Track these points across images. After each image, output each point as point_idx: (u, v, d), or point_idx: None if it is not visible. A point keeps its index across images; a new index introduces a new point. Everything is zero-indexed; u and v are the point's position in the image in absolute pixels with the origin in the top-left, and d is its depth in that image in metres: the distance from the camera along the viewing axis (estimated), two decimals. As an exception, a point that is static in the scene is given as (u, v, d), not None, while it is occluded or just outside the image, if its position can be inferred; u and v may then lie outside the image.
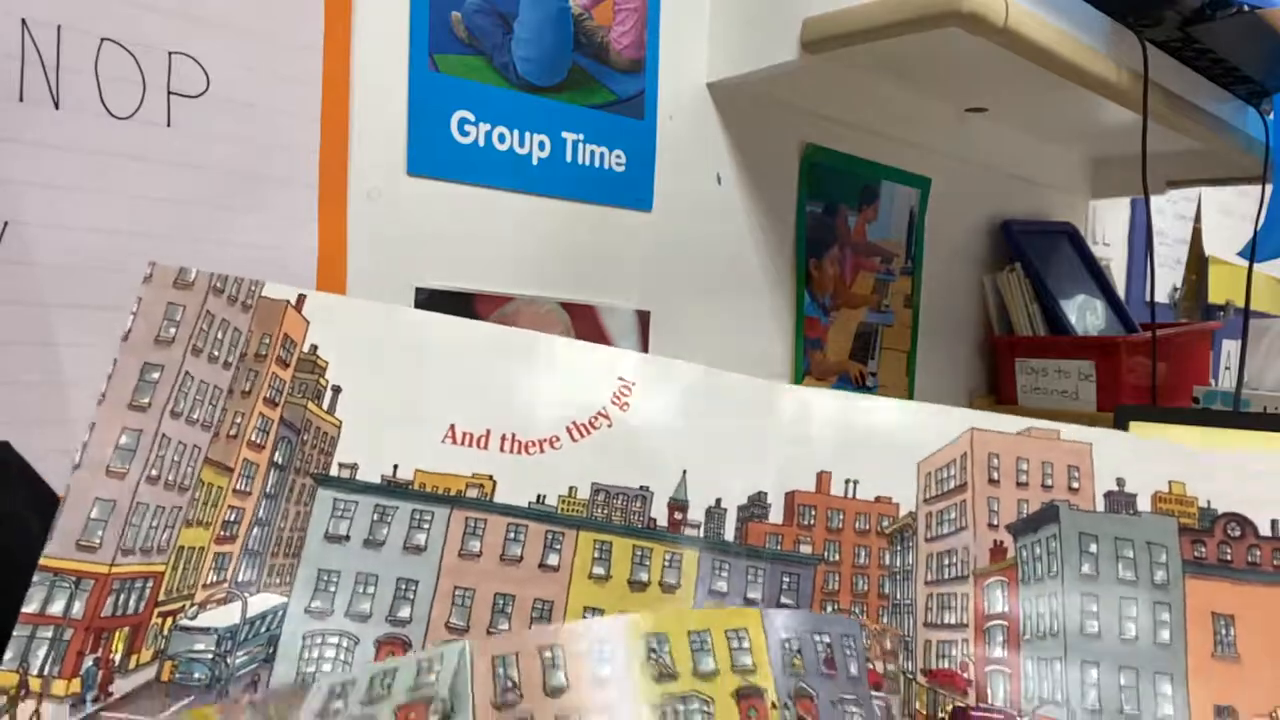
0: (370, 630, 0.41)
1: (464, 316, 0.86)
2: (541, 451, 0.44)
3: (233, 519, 0.41)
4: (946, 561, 0.44)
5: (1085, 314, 1.46)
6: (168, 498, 0.40)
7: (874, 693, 0.41)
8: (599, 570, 0.43)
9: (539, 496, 0.44)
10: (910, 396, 1.36)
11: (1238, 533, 0.43)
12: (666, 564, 0.44)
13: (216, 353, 0.43)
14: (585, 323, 0.96)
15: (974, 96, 1.25)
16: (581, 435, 0.45)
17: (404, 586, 0.42)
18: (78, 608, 0.37)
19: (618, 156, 0.98)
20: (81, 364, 0.67)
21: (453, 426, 0.44)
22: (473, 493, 0.43)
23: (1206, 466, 0.44)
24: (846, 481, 0.46)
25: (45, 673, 0.36)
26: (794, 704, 0.39)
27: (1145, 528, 0.43)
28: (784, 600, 0.43)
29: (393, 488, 0.43)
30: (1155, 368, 1.14)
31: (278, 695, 0.37)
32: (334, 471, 0.43)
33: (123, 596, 0.38)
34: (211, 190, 0.72)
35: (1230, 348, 2.00)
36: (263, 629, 0.40)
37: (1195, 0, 0.94)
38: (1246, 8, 0.94)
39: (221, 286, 0.45)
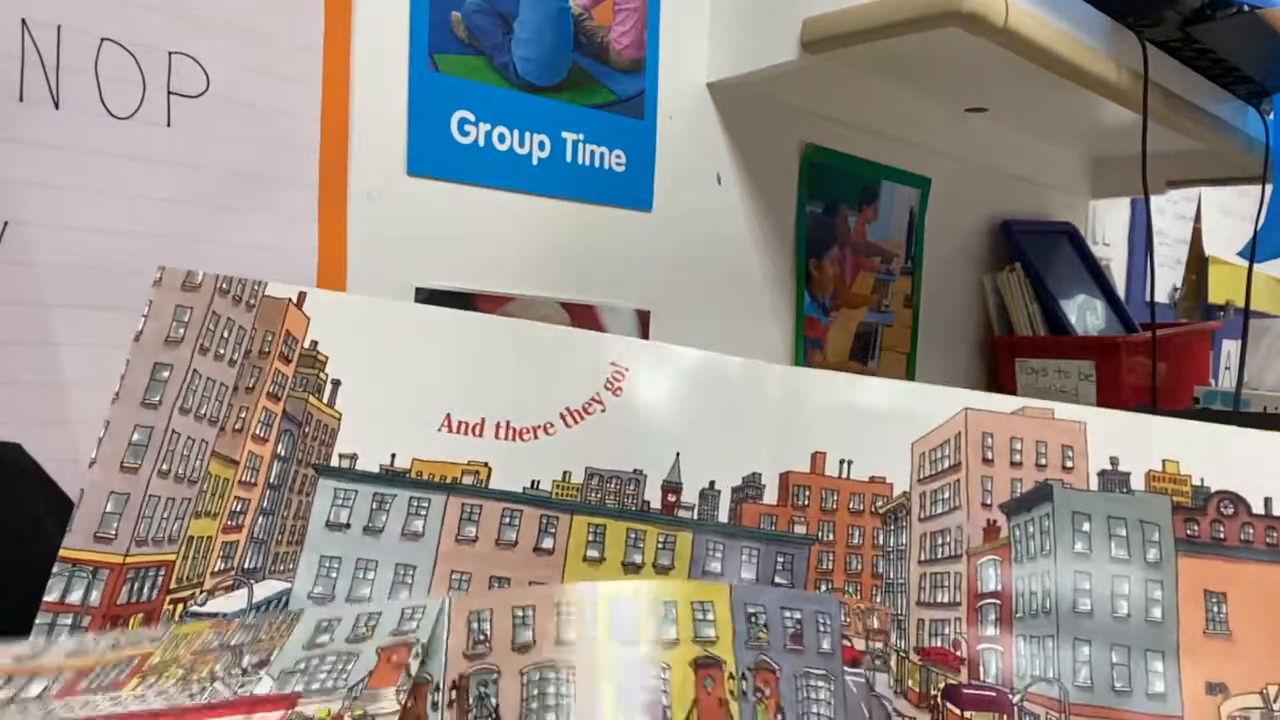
0: None
1: (464, 316, 0.86)
2: (536, 438, 0.45)
3: (239, 509, 0.43)
4: (940, 541, 0.45)
5: (1085, 314, 1.46)
6: (178, 490, 0.42)
7: (850, 668, 0.42)
8: (593, 553, 0.44)
9: (533, 482, 0.45)
10: (910, 396, 1.36)
11: (1231, 511, 0.43)
12: (661, 546, 0.44)
13: (222, 351, 0.45)
14: (585, 323, 0.96)
15: (974, 96, 1.24)
16: (575, 421, 0.46)
17: (402, 572, 0.43)
18: (95, 596, 0.39)
19: (618, 156, 0.98)
20: (81, 364, 0.67)
21: (448, 416, 0.45)
22: (469, 480, 0.44)
23: (1201, 443, 0.44)
24: (841, 462, 0.46)
25: (65, 658, 0.39)
26: (753, 675, 0.40)
27: (1138, 506, 0.43)
28: (778, 580, 0.44)
29: (391, 476, 0.44)
30: (1155, 368, 1.14)
31: (270, 620, 0.39)
32: (334, 462, 0.44)
33: (137, 585, 0.40)
34: (211, 190, 0.72)
35: (1230, 348, 2.00)
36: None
37: (1195, 0, 0.94)
38: (1246, 8, 0.94)
39: (226, 287, 0.46)
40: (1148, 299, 1.14)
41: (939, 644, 0.43)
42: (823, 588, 0.44)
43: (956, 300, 1.45)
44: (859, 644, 0.42)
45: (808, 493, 0.46)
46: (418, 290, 0.84)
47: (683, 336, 1.04)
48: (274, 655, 0.37)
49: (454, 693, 0.37)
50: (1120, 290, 1.74)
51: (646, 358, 0.47)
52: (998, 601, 0.43)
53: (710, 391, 0.47)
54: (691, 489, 0.45)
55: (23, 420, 0.62)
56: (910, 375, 1.36)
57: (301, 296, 0.46)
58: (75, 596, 0.39)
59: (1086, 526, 0.43)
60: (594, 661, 0.38)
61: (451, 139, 0.86)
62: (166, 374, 0.43)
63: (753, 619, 0.41)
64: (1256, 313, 1.27)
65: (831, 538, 0.45)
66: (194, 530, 0.42)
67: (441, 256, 0.86)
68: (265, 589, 0.42)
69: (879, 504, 0.46)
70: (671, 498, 0.45)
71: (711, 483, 0.45)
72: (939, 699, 0.42)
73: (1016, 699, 0.41)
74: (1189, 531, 0.43)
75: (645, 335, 1.01)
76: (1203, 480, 0.43)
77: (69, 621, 0.39)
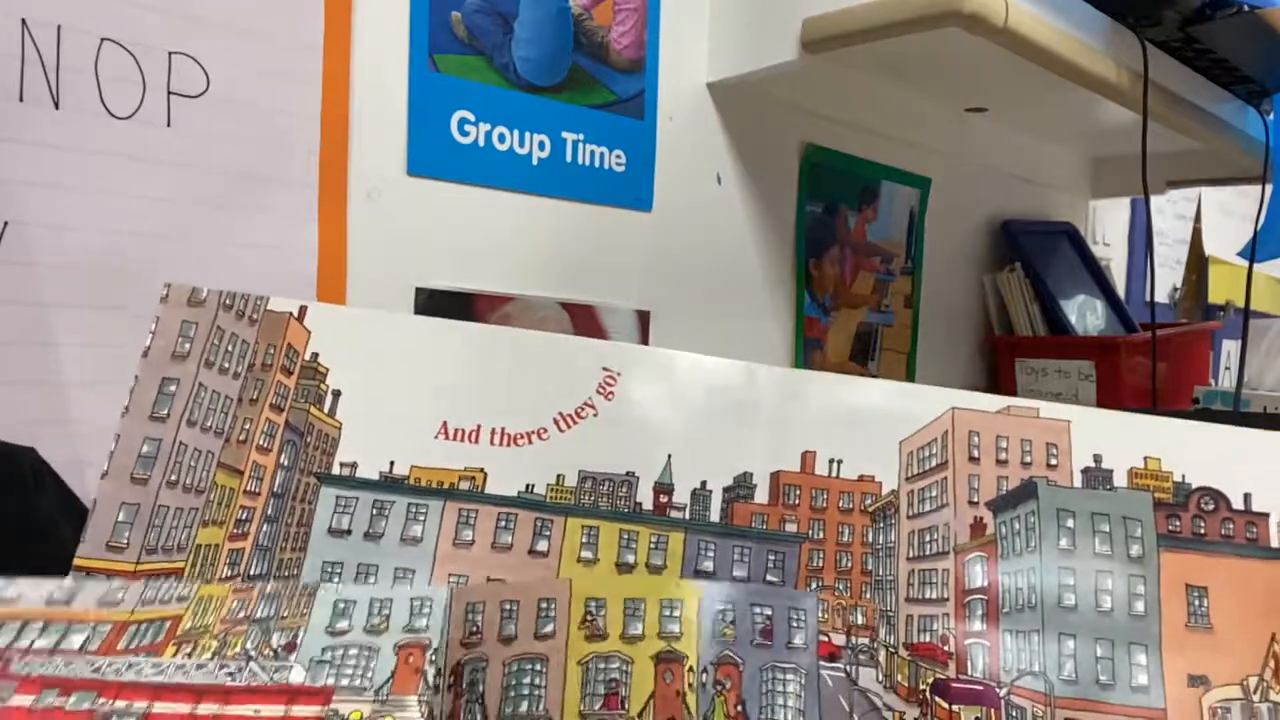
0: None
1: (464, 316, 0.86)
2: (530, 443, 0.46)
3: (244, 518, 0.44)
4: (928, 538, 0.46)
5: (1085, 314, 1.46)
6: (185, 500, 0.44)
7: (827, 663, 0.43)
8: (587, 554, 0.45)
9: (528, 486, 0.46)
10: (910, 396, 1.36)
11: (1211, 506, 0.44)
12: (653, 546, 0.45)
13: (227, 364, 0.46)
14: (585, 323, 0.96)
15: (974, 96, 1.25)
16: (568, 425, 0.47)
17: (402, 575, 0.44)
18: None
19: (618, 156, 0.98)
20: (81, 364, 0.67)
21: (445, 423, 0.46)
22: (465, 485, 0.45)
23: (1182, 441, 0.45)
24: (830, 461, 0.47)
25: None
26: (715, 669, 0.42)
27: (1121, 502, 0.44)
28: (769, 578, 0.45)
29: (390, 483, 0.45)
30: (1155, 368, 1.14)
31: (289, 591, 0.41)
32: (335, 470, 0.45)
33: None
34: (211, 190, 0.72)
35: (1230, 348, 2.00)
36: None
37: (1195, 0, 0.94)
38: (1246, 8, 0.95)
39: (230, 303, 0.47)
40: (1148, 299, 1.14)
41: (927, 639, 0.44)
42: (813, 585, 0.45)
43: (956, 300, 1.45)
44: (838, 639, 0.44)
45: (798, 492, 0.46)
46: (418, 290, 0.84)
47: (682, 336, 1.04)
48: (300, 638, 0.39)
49: (452, 678, 0.40)
50: (1120, 290, 1.74)
51: (638, 362, 0.48)
52: (984, 597, 0.44)
53: (700, 394, 0.48)
54: (683, 490, 0.46)
55: (23, 420, 0.63)
56: (910, 375, 1.36)
57: (302, 310, 0.47)
58: None
59: (1071, 523, 0.44)
60: (565, 654, 0.42)
61: (451, 139, 0.86)
62: (174, 388, 0.45)
63: (721, 615, 0.43)
64: (1256, 313, 1.27)
65: (822, 536, 0.46)
66: (202, 539, 0.43)
67: (441, 256, 0.86)
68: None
69: (868, 502, 0.46)
70: (663, 498, 0.46)
71: (703, 483, 0.46)
72: (928, 693, 0.42)
73: (1003, 693, 0.42)
74: (1170, 527, 0.44)
75: (645, 335, 1.01)
76: (1183, 477, 0.44)
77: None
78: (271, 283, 0.75)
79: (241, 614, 0.40)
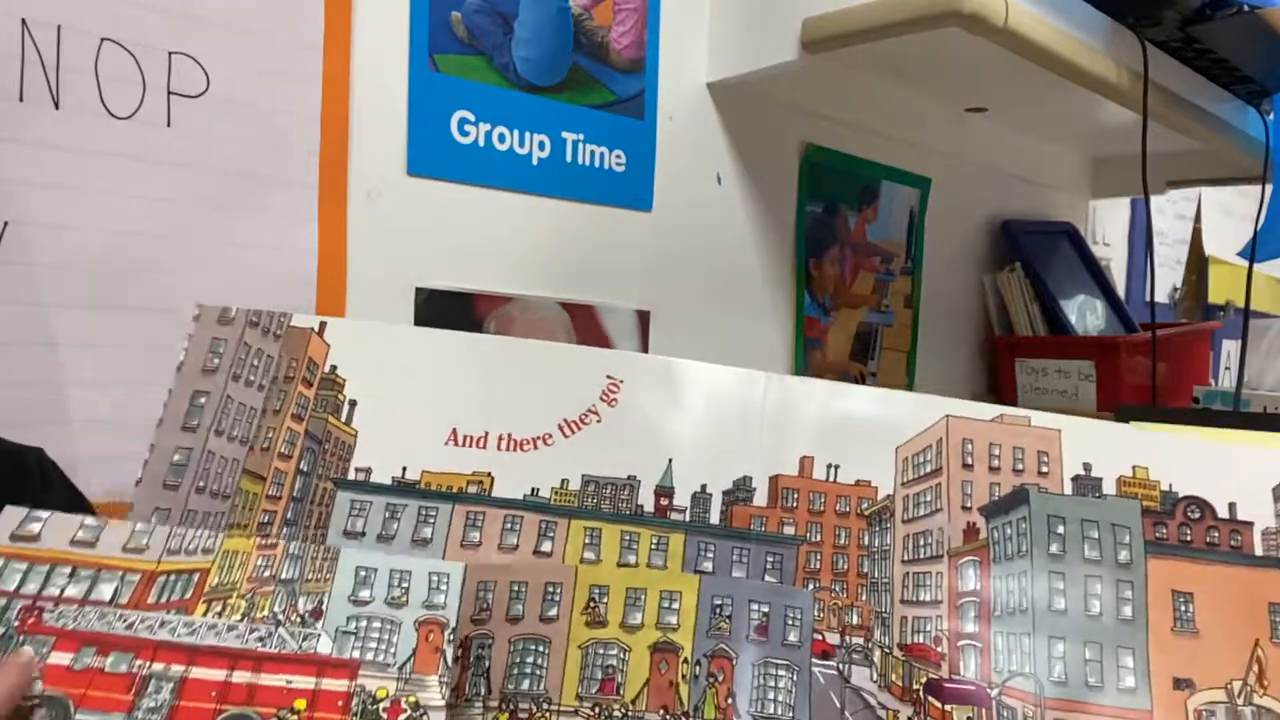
0: None
1: (464, 316, 0.86)
2: (535, 448, 0.48)
3: (266, 521, 0.47)
4: (922, 542, 0.47)
5: (1085, 314, 1.46)
6: (213, 505, 0.47)
7: (820, 661, 0.44)
8: (590, 555, 0.46)
9: (533, 489, 0.47)
10: (910, 396, 1.36)
11: (1197, 515, 0.45)
12: (654, 547, 0.47)
13: (252, 378, 0.49)
14: (585, 323, 0.96)
15: (974, 96, 1.25)
16: (573, 431, 0.49)
17: None
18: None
19: (618, 156, 0.98)
20: (81, 364, 0.67)
21: (454, 430, 0.48)
22: (473, 489, 0.47)
23: (1169, 452, 0.46)
24: (828, 466, 0.48)
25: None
26: (709, 661, 0.43)
27: (1110, 510, 0.45)
28: (768, 578, 0.46)
29: (402, 487, 0.47)
30: (1155, 368, 1.14)
31: (312, 554, 0.43)
32: (351, 475, 0.47)
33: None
34: (211, 190, 0.72)
35: (1230, 348, 2.00)
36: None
37: (1195, 0, 0.94)
38: (1246, 8, 0.94)
39: (256, 320, 0.50)
40: (1148, 299, 1.14)
41: (921, 640, 0.45)
42: (810, 586, 0.46)
43: (956, 300, 1.45)
44: (832, 638, 0.45)
45: (796, 495, 0.48)
46: (418, 290, 0.84)
47: (682, 336, 1.04)
48: (325, 604, 0.42)
49: (460, 650, 0.42)
50: (1120, 290, 1.74)
51: (640, 369, 0.50)
52: (977, 600, 0.45)
53: (701, 400, 0.49)
54: (683, 493, 0.48)
55: (23, 420, 0.62)
56: (910, 375, 1.36)
57: (322, 326, 0.50)
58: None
59: (1061, 529, 0.45)
60: (567, 638, 0.44)
61: (451, 139, 0.86)
62: (204, 400, 0.49)
63: (717, 610, 0.45)
64: (1256, 313, 1.27)
65: (819, 538, 0.47)
66: (229, 546, 0.45)
67: (441, 256, 0.86)
68: None
69: (864, 506, 0.48)
70: (664, 501, 0.47)
71: (703, 486, 0.48)
72: (921, 693, 0.44)
73: (994, 693, 0.43)
74: (1158, 534, 0.45)
75: (645, 335, 1.01)
76: (1170, 486, 0.46)
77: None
78: (271, 282, 0.75)
79: (267, 572, 0.42)
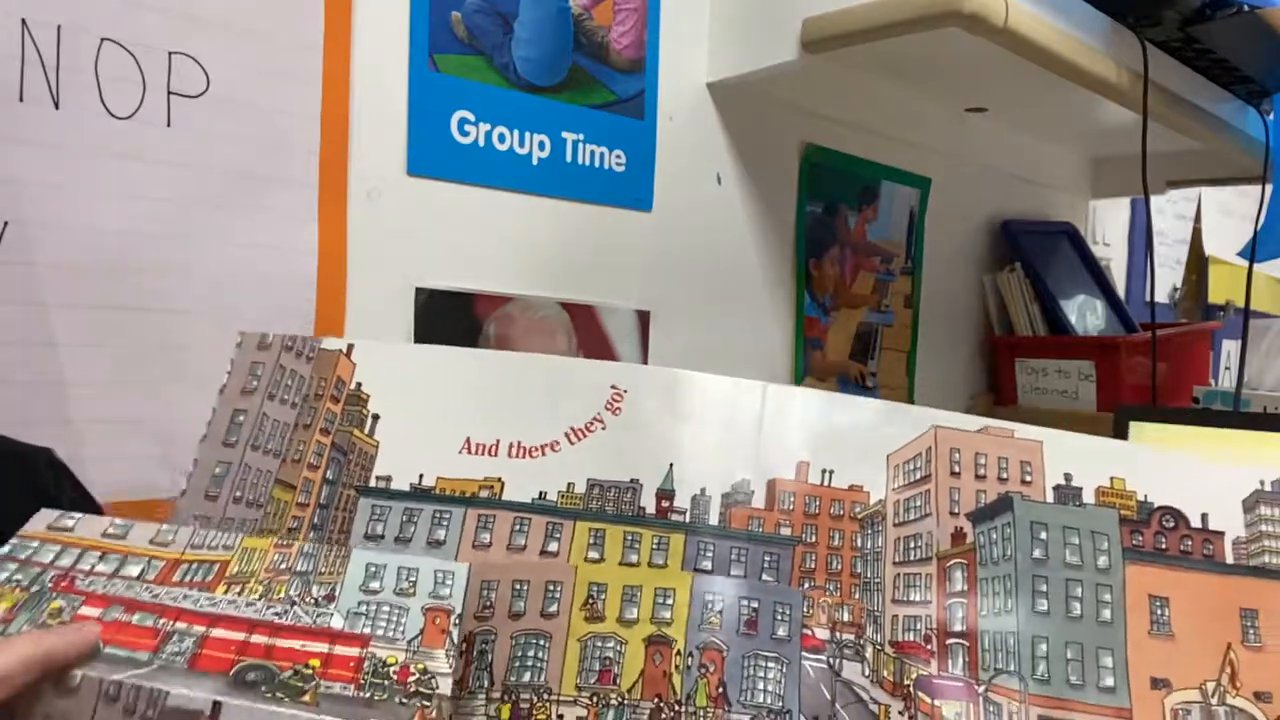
0: None
1: (464, 316, 0.86)
2: (544, 455, 0.51)
3: (295, 526, 0.50)
4: (912, 545, 0.49)
5: (1085, 314, 1.46)
6: (248, 513, 0.51)
7: (810, 654, 0.46)
8: (594, 554, 0.49)
9: (541, 493, 0.50)
10: (910, 396, 1.36)
11: (1171, 524, 0.48)
12: (655, 547, 0.49)
13: (286, 397, 0.53)
14: (585, 323, 0.96)
15: (974, 96, 1.25)
16: (579, 439, 0.51)
17: None
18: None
19: (618, 156, 0.98)
20: (81, 364, 0.67)
21: (468, 439, 0.51)
22: (484, 494, 0.50)
23: (1145, 464, 0.49)
24: (823, 471, 0.50)
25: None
26: (700, 654, 0.46)
27: (1090, 518, 0.48)
28: (765, 577, 0.49)
29: (418, 493, 0.50)
30: (1155, 368, 1.14)
31: (326, 553, 0.46)
32: (372, 483, 0.51)
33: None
34: (211, 190, 0.72)
35: (1230, 348, 2.00)
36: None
37: (1195, 0, 0.94)
38: (1246, 8, 0.95)
39: (290, 344, 0.55)
40: (1148, 299, 1.14)
41: (912, 638, 0.47)
42: (805, 585, 0.48)
43: (956, 300, 1.45)
44: (822, 634, 0.47)
45: (792, 498, 0.50)
46: (418, 290, 0.84)
47: (682, 336, 1.04)
48: (338, 591, 0.44)
49: (464, 646, 0.45)
50: (1120, 290, 1.74)
51: (644, 380, 0.53)
52: (964, 601, 0.47)
53: (702, 408, 0.51)
54: (684, 495, 0.50)
55: (23, 420, 0.62)
56: (910, 375, 1.36)
57: (350, 347, 0.54)
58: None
59: (1044, 535, 0.48)
60: (567, 633, 0.46)
61: (451, 139, 0.86)
62: (242, 419, 0.53)
63: (708, 605, 0.47)
64: (1256, 313, 1.27)
65: (814, 540, 0.50)
66: (247, 544, 0.49)
67: (441, 256, 0.86)
68: None
69: (857, 510, 0.50)
70: (665, 503, 0.50)
71: (703, 489, 0.50)
72: (912, 688, 0.46)
73: (981, 689, 0.45)
74: (1134, 542, 0.47)
75: (645, 335, 1.01)
76: (1146, 496, 0.48)
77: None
78: (271, 282, 0.75)
79: (283, 566, 0.46)
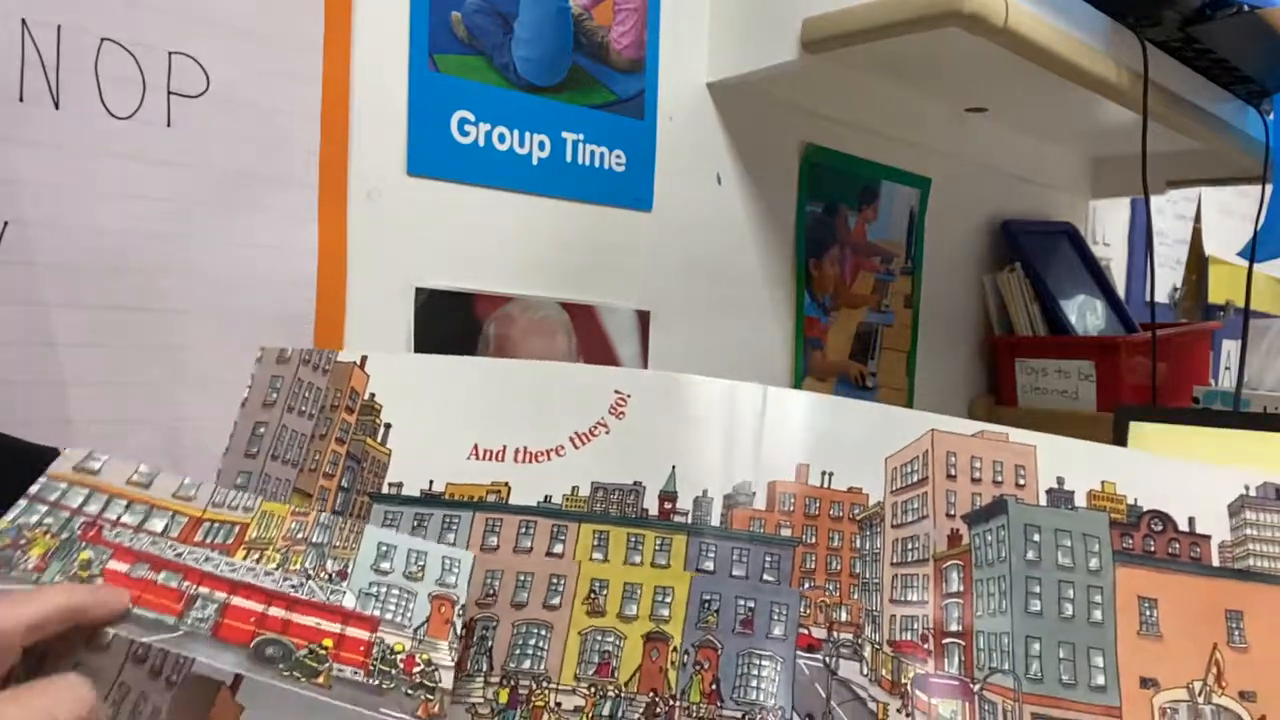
0: None
1: (464, 316, 0.86)
2: (549, 459, 0.52)
3: None
4: (910, 546, 0.50)
5: (1085, 314, 1.46)
6: None
7: (805, 653, 0.47)
8: (598, 555, 0.50)
9: (546, 497, 0.51)
10: (910, 396, 1.36)
11: (1160, 527, 0.49)
12: (658, 548, 0.50)
13: (304, 408, 0.55)
14: (585, 323, 0.96)
15: (974, 96, 1.25)
16: (583, 443, 0.52)
17: None
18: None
19: (618, 156, 0.98)
20: (81, 364, 0.67)
21: (476, 445, 0.53)
22: (492, 498, 0.52)
23: (1135, 469, 0.50)
24: (823, 473, 0.51)
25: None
26: (696, 651, 0.47)
27: (1081, 521, 0.49)
28: (765, 577, 0.50)
29: (428, 499, 0.52)
30: (1155, 368, 1.14)
31: (340, 526, 0.48)
32: (384, 490, 0.52)
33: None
34: (211, 190, 0.72)
35: (1230, 348, 2.00)
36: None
37: (1195, 0, 0.94)
38: (1246, 8, 0.95)
39: (308, 358, 0.57)
40: (1148, 299, 1.14)
41: (909, 638, 0.48)
42: (805, 585, 0.49)
43: (956, 300, 1.45)
44: (818, 633, 0.48)
45: (793, 500, 0.51)
46: (418, 290, 0.84)
47: (682, 336, 1.04)
48: (350, 568, 0.46)
49: (464, 631, 0.47)
50: (1120, 290, 1.74)
51: (646, 384, 0.54)
52: (960, 601, 0.48)
53: (703, 411, 0.52)
54: (686, 497, 0.51)
55: (23, 420, 0.62)
56: (910, 375, 1.36)
57: (363, 359, 0.56)
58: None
59: (1037, 537, 0.49)
60: (568, 625, 0.48)
61: (451, 139, 0.86)
62: (263, 430, 0.55)
63: (706, 604, 0.49)
64: (1256, 313, 1.27)
65: (814, 541, 0.51)
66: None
67: (441, 256, 0.86)
68: None
69: (856, 512, 0.51)
70: (668, 505, 0.51)
71: (704, 491, 0.51)
72: (909, 687, 0.47)
73: (977, 688, 0.46)
74: (1124, 544, 0.49)
75: (645, 335, 1.01)
76: (1136, 500, 0.49)
77: None
78: (271, 282, 0.75)
79: (300, 535, 0.47)
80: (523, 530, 0.51)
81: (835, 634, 0.48)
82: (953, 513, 0.50)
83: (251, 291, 0.74)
